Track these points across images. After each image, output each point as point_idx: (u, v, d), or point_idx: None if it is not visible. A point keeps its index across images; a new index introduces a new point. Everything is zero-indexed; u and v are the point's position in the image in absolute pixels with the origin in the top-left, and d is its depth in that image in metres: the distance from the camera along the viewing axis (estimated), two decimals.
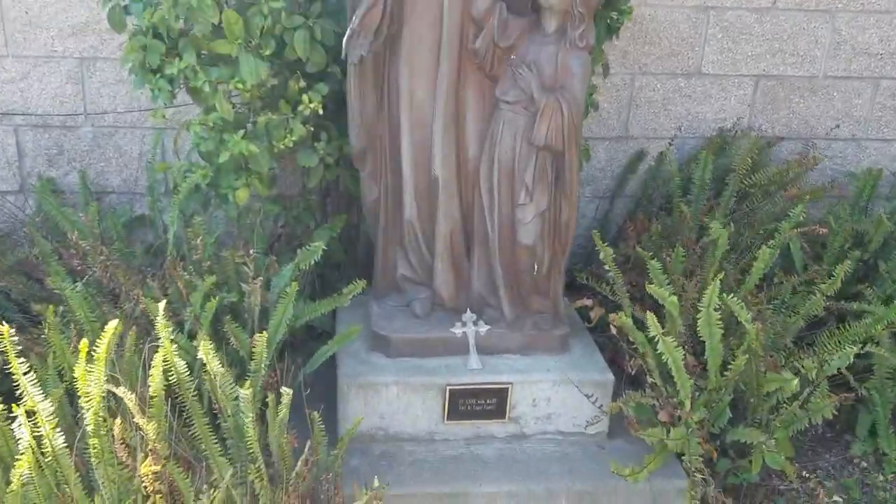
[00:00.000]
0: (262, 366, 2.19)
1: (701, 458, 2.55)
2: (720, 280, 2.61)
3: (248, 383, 2.06)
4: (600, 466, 2.68)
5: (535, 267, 2.67)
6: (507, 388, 2.68)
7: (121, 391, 1.92)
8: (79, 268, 2.62)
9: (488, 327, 2.75)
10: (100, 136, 3.45)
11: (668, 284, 2.80)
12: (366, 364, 2.69)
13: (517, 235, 2.62)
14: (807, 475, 2.66)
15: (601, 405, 2.70)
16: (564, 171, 2.52)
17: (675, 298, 2.54)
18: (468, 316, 2.76)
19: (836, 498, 2.93)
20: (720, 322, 2.56)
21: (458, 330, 2.74)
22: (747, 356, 2.50)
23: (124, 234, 3.12)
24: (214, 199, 2.76)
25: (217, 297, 2.36)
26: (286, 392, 2.00)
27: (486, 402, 2.69)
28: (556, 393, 2.73)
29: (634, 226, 3.56)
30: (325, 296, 3.27)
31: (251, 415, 1.98)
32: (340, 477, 2.28)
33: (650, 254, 3.13)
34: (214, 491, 1.97)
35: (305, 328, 2.82)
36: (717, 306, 2.54)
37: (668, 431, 2.54)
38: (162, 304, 2.09)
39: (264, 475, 2.04)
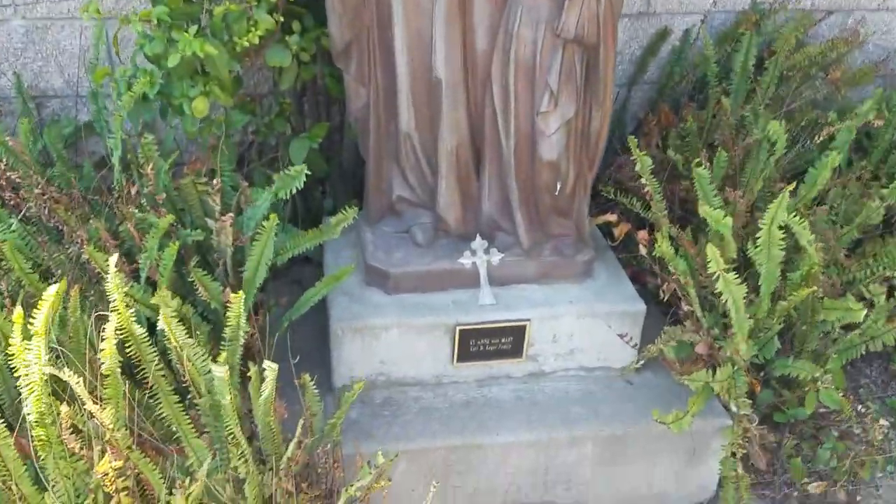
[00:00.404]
0: (240, 333, 1.81)
1: (747, 395, 2.25)
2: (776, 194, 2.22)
3: (223, 356, 1.68)
4: (630, 405, 2.39)
5: (558, 186, 2.26)
6: (525, 326, 2.33)
7: (66, 374, 1.54)
8: (12, 202, 2.18)
9: (501, 255, 2.36)
10: (33, 31, 2.89)
11: (715, 197, 2.40)
12: (361, 303, 2.32)
13: (537, 149, 2.19)
14: (862, 409, 2.38)
15: (635, 343, 2.36)
16: (598, 70, 2.06)
17: (729, 220, 2.15)
18: (478, 243, 2.36)
19: (882, 422, 2.66)
20: (783, 242, 2.18)
21: (466, 260, 2.35)
22: (813, 288, 2.15)
23: (69, 151, 2.64)
24: (171, 113, 2.28)
25: (175, 242, 1.93)
26: (271, 368, 1.63)
27: (501, 342, 2.35)
28: (579, 326, 2.38)
29: (658, 120, 3.12)
30: (308, 216, 2.86)
31: (228, 396, 1.61)
32: (340, 446, 1.96)
33: (681, 158, 2.72)
34: (191, 482, 1.64)
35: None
36: (781, 224, 2.15)
37: (714, 371, 2.22)
38: (113, 260, 1.67)
39: (250, 459, 1.70)
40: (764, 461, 2.39)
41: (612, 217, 2.63)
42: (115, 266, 1.65)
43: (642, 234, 2.54)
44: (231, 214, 1.98)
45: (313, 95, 2.84)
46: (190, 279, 1.97)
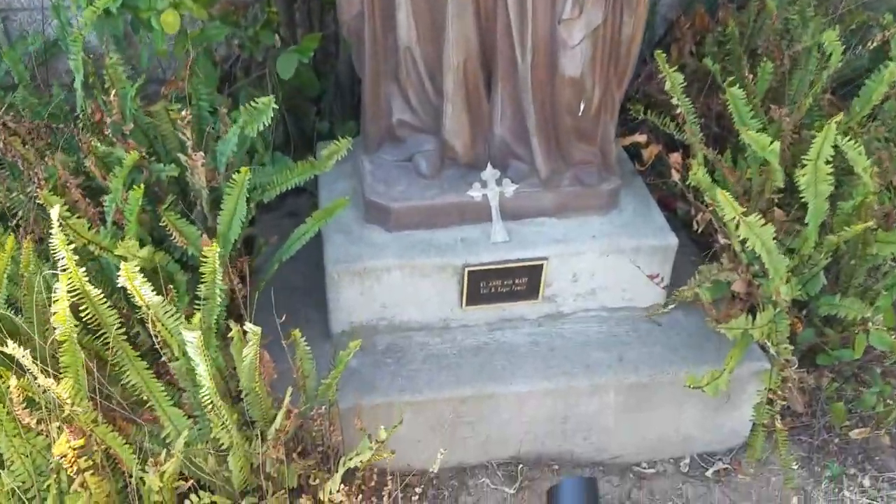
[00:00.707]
0: (216, 290, 1.58)
1: (788, 339, 2.03)
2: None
3: (196, 318, 1.47)
4: (657, 349, 2.17)
5: (581, 106, 1.97)
6: (542, 265, 2.09)
7: (11, 348, 1.33)
8: None
9: (516, 186, 2.10)
10: None
11: (753, 118, 2.10)
12: (360, 243, 2.08)
13: (558, 63, 1.89)
14: None
15: (665, 282, 2.13)
16: None
17: (776, 146, 1.86)
18: (489, 173, 2.10)
19: None
20: (830, 178, 1.91)
21: (476, 192, 2.09)
22: (869, 223, 1.89)
23: (43, 71, 2.37)
24: (142, 31, 1.99)
25: (140, 185, 1.68)
26: (253, 331, 1.41)
27: (515, 283, 2.12)
28: (602, 264, 2.15)
29: (692, 23, 2.77)
30: (302, 140, 2.60)
31: (203, 363, 1.41)
32: (336, 406, 1.77)
33: (718, 67, 2.39)
34: (167, 456, 1.46)
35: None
36: (828, 159, 1.87)
37: (753, 316, 1.99)
38: (55, 213, 1.44)
39: (233, 428, 1.51)
40: (802, 404, 2.19)
41: (640, 137, 2.35)
42: (58, 218, 1.41)
43: (675, 158, 2.27)
44: (201, 154, 1.72)
45: (305, 2, 2.52)
46: (161, 220, 1.73)
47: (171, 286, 1.69)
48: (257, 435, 1.60)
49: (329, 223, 2.06)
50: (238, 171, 1.72)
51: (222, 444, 1.51)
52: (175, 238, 1.72)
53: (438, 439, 2.13)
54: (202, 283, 1.58)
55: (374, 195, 2.09)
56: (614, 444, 2.25)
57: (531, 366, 2.12)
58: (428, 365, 2.11)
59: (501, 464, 2.22)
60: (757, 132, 1.90)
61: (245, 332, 1.46)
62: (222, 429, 1.49)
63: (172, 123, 1.89)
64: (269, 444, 1.53)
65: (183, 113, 1.73)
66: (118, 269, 1.70)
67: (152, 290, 1.48)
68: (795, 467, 2.26)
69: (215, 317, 1.57)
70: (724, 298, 2.15)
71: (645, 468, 2.29)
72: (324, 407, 1.69)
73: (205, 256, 1.55)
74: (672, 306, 2.04)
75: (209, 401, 1.45)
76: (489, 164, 2.10)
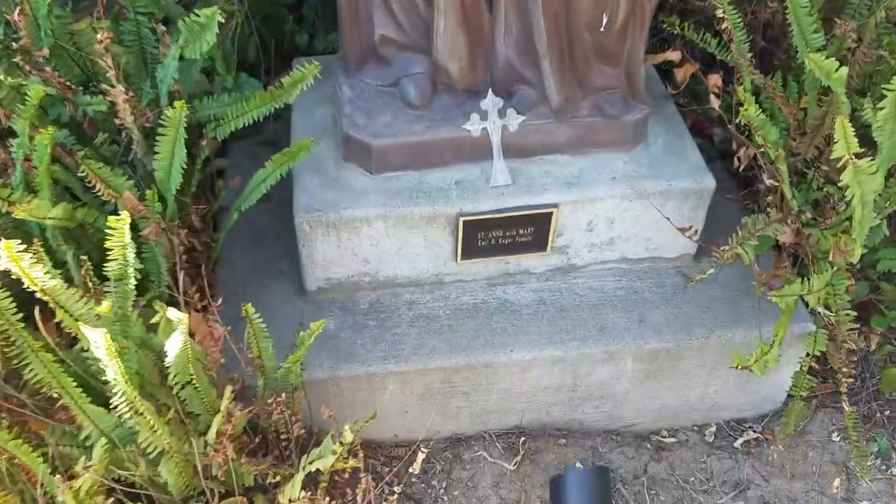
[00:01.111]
0: (129, 270, 1.27)
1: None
2: None
3: (105, 305, 1.17)
4: (685, 309, 1.87)
5: (605, 19, 1.59)
6: (551, 213, 1.77)
7: None
8: None
9: (522, 118, 1.74)
10: None
11: (815, 32, 1.70)
12: (336, 187, 1.76)
13: None
14: None
15: (697, 233, 1.80)
16: None
17: (843, 73, 1.48)
18: (490, 101, 1.74)
19: None
20: None
21: (474, 126, 1.74)
22: None
23: None
24: None
25: (49, 128, 1.35)
26: (178, 319, 1.12)
27: (519, 234, 1.80)
28: (623, 210, 1.81)
29: None
30: (279, 55, 2.24)
31: (115, 363, 1.12)
32: (303, 391, 1.50)
33: None
34: (84, 467, 1.20)
35: None
36: None
37: (803, 277, 1.66)
38: None
39: (162, 430, 1.25)
40: (847, 365, 1.90)
41: (674, 55, 1.97)
42: None
43: (714, 80, 1.89)
44: (122, 88, 1.38)
45: None
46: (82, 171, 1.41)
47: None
48: (201, 432, 1.33)
49: (302, 161, 1.73)
50: (167, 116, 1.38)
51: (150, 447, 1.25)
52: (100, 190, 1.40)
53: (429, 409, 1.88)
54: (110, 259, 1.27)
55: (353, 129, 1.74)
56: (630, 411, 1.98)
57: (536, 329, 1.83)
58: (416, 328, 1.82)
59: (501, 434, 1.97)
60: (836, 70, 1.50)
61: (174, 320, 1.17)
62: (150, 432, 1.22)
63: (105, 46, 1.54)
64: (211, 445, 1.27)
65: (100, 36, 1.37)
66: (42, 229, 1.42)
67: (73, 258, 1.19)
68: (837, 440, 1.99)
69: (131, 301, 1.27)
70: (769, 256, 1.82)
71: (665, 437, 2.03)
72: (284, 395, 1.41)
73: (110, 227, 1.23)
74: (711, 271, 1.70)
75: (126, 406, 1.18)
76: (490, 92, 1.74)
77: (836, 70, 1.48)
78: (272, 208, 1.98)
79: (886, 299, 1.95)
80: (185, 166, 1.44)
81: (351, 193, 1.74)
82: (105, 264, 1.29)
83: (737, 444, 2.01)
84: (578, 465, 1.91)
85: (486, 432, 1.97)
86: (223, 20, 1.41)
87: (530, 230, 1.79)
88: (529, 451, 1.94)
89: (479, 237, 1.78)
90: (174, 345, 1.17)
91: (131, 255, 1.24)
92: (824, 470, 1.95)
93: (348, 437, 1.29)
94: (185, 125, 1.60)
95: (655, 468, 1.96)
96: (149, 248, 1.46)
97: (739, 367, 1.60)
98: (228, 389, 1.27)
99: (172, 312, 1.15)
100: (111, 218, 1.22)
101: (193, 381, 1.27)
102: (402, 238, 1.77)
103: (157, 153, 1.44)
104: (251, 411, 1.37)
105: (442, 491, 1.88)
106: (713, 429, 2.05)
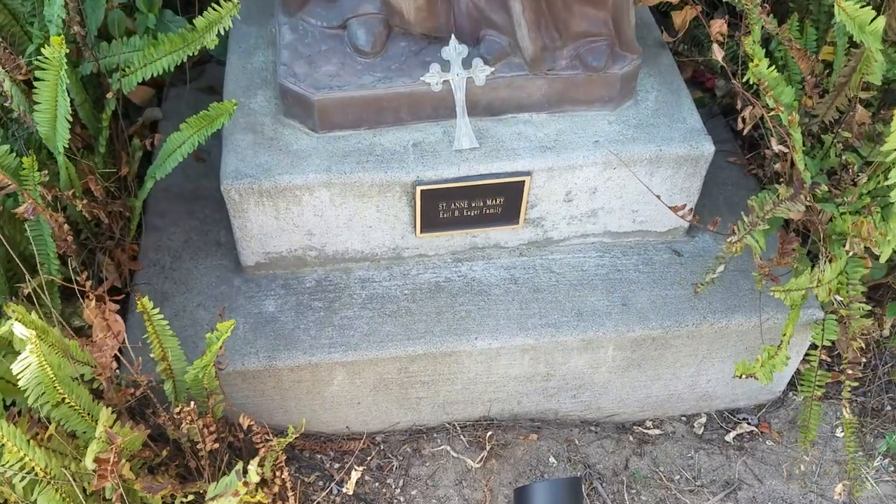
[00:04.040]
0: None
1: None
2: None
3: None
4: (674, 291, 1.64)
5: None
6: (523, 182, 1.52)
7: None
8: None
9: (490, 70, 1.48)
10: None
11: None
12: (272, 148, 1.51)
13: None
14: None
15: (691, 213, 1.55)
16: None
17: (880, 25, 1.21)
18: (454, 49, 1.47)
19: None
20: None
21: (434, 78, 1.48)
22: None
23: None
24: None
25: None
26: (28, 337, 0.89)
27: (486, 205, 1.56)
28: (607, 178, 1.57)
29: None
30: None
31: None
32: (218, 398, 1.27)
33: None
34: None
35: None
36: None
37: (813, 263, 1.43)
38: None
39: (31, 454, 1.03)
40: (856, 352, 1.68)
41: None
42: None
43: (717, 26, 1.62)
44: None
45: None
46: None
47: None
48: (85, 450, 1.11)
49: (231, 122, 1.48)
50: (44, 58, 1.12)
51: (20, 476, 1.04)
52: None
53: (385, 400, 1.67)
54: None
55: (291, 79, 1.48)
56: (610, 401, 1.78)
57: (505, 313, 1.60)
58: (369, 310, 1.60)
59: (466, 426, 1.77)
60: (871, 22, 1.23)
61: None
62: (16, 458, 1.00)
63: None
64: (94, 473, 1.05)
65: None
66: None
67: None
68: (841, 436, 1.79)
69: None
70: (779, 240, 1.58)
71: (649, 428, 1.83)
72: (193, 402, 1.19)
73: None
74: (721, 269, 1.46)
75: None
76: (453, 38, 1.47)
77: (872, 21, 1.22)
78: (210, 170, 1.75)
79: None
80: (68, 117, 1.18)
81: (289, 156, 1.49)
82: None
83: (729, 437, 1.81)
84: (552, 459, 1.72)
85: (450, 423, 1.77)
86: None
87: (499, 201, 1.55)
88: (497, 445, 1.74)
89: (441, 208, 1.54)
90: (24, 368, 0.94)
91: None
92: (825, 470, 1.75)
93: (254, 477, 1.06)
94: (95, 72, 1.35)
95: (637, 464, 1.76)
96: (36, 227, 1.22)
97: (743, 375, 1.38)
98: (105, 413, 1.04)
99: (18, 328, 0.92)
100: None
101: (67, 401, 1.04)
102: (351, 208, 1.53)
103: (36, 104, 1.19)
104: (152, 426, 1.15)
105: (398, 490, 1.68)
106: (703, 420, 1.84)
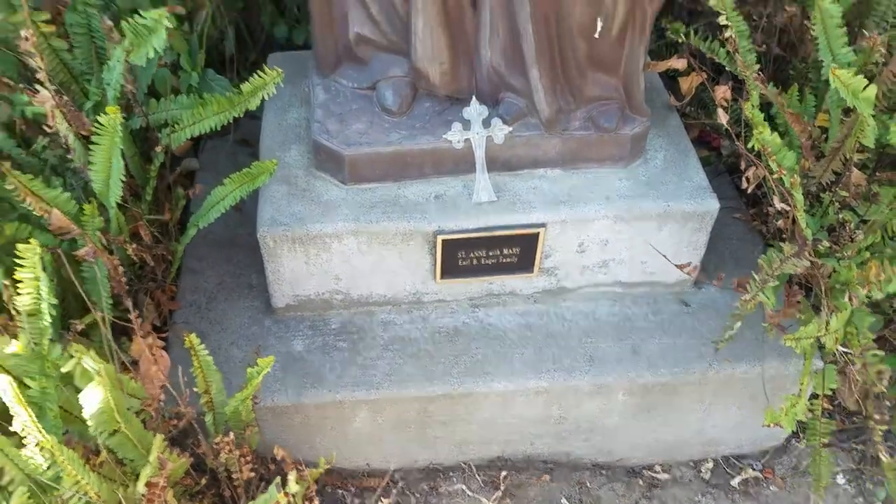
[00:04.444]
0: (43, 306, 1.13)
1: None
2: None
3: (18, 342, 1.04)
4: (683, 339, 1.73)
5: (599, 24, 1.44)
6: (538, 234, 1.62)
7: None
8: None
9: (508, 129, 1.60)
10: None
11: (843, 46, 1.54)
12: (304, 198, 1.62)
13: None
14: None
15: (696, 269, 1.65)
16: None
17: (871, 92, 1.32)
18: (475, 110, 1.59)
19: None
20: None
21: (456, 136, 1.59)
22: None
23: None
24: None
25: None
26: (95, 369, 0.98)
27: (503, 254, 1.66)
28: (618, 231, 1.67)
29: None
30: (256, 47, 2.10)
31: (27, 414, 0.99)
32: (254, 430, 1.36)
33: None
34: None
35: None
36: None
37: (825, 318, 1.51)
38: None
39: (88, 477, 1.11)
40: (855, 401, 1.75)
41: (679, 63, 1.80)
42: None
43: (722, 92, 1.73)
44: (50, 92, 1.24)
45: None
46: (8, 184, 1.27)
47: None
48: (138, 476, 1.20)
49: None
50: (100, 123, 1.24)
51: (76, 499, 1.12)
52: (30, 205, 1.27)
53: (404, 438, 1.75)
54: (21, 293, 1.13)
55: (324, 136, 1.60)
56: (621, 445, 1.84)
57: (520, 357, 1.69)
58: (391, 352, 1.69)
59: (482, 466, 1.84)
60: (863, 90, 1.34)
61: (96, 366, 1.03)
62: (74, 481, 1.09)
63: (45, 38, 1.40)
64: (143, 497, 1.14)
65: (24, 32, 1.23)
66: None
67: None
68: (842, 482, 1.85)
69: (48, 338, 1.14)
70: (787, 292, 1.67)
71: (658, 472, 1.89)
72: (233, 433, 1.28)
73: (19, 256, 1.10)
74: (738, 325, 1.55)
75: (44, 455, 1.05)
76: (474, 99, 1.59)
77: (864, 89, 1.32)
78: (245, 218, 1.86)
79: None
80: (123, 177, 1.30)
81: (320, 206, 1.60)
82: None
83: (734, 482, 1.87)
84: (564, 501, 1.78)
85: (466, 463, 1.84)
86: (170, 26, 1.26)
87: (515, 251, 1.65)
88: (511, 486, 1.81)
89: (460, 257, 1.64)
90: (91, 399, 1.04)
91: (45, 289, 1.10)
92: None
93: (293, 487, 1.15)
94: (143, 126, 1.47)
95: None
96: (89, 268, 1.33)
97: (772, 424, 1.45)
98: (158, 439, 1.13)
99: (88, 361, 1.02)
100: (20, 246, 1.09)
101: (123, 430, 1.14)
102: (376, 255, 1.63)
103: (91, 164, 1.30)
104: (192, 455, 1.24)
105: None
106: (710, 465, 1.91)
